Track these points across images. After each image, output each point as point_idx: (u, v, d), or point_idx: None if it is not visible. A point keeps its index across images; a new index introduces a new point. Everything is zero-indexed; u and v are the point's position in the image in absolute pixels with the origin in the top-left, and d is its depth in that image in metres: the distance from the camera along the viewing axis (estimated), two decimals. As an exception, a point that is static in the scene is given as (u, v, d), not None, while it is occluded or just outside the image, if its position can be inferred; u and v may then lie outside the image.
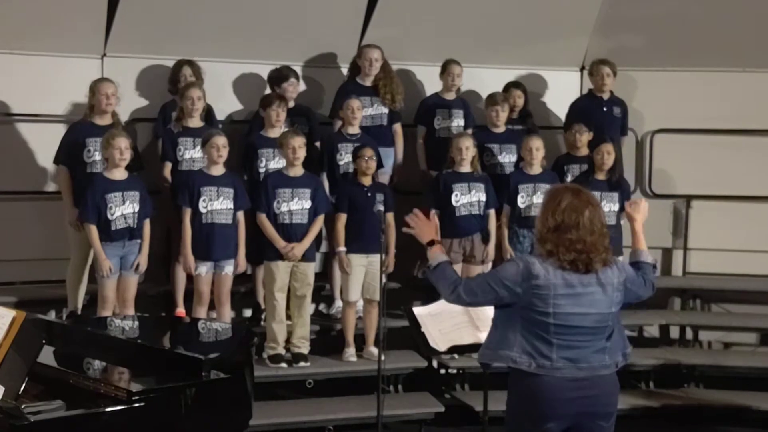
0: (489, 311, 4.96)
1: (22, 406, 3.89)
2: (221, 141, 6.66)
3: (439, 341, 4.92)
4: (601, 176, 7.42)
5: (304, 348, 6.90)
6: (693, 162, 8.39)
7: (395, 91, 7.64)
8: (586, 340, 4.02)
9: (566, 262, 3.98)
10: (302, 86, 7.81)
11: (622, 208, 7.34)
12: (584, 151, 7.64)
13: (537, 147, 7.31)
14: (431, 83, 8.03)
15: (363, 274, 6.93)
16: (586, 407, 4.03)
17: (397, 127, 7.77)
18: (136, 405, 4.09)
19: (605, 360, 4.08)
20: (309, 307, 7.01)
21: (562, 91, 8.39)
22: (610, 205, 7.27)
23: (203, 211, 6.64)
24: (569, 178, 7.55)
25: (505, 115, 7.64)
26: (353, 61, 7.75)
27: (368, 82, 7.65)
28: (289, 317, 6.90)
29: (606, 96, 8.02)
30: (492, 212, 7.28)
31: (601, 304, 4.03)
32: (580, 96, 8.28)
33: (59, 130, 7.05)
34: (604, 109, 7.98)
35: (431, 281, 4.25)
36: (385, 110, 7.67)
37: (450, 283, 4.14)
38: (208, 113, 7.23)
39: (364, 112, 7.45)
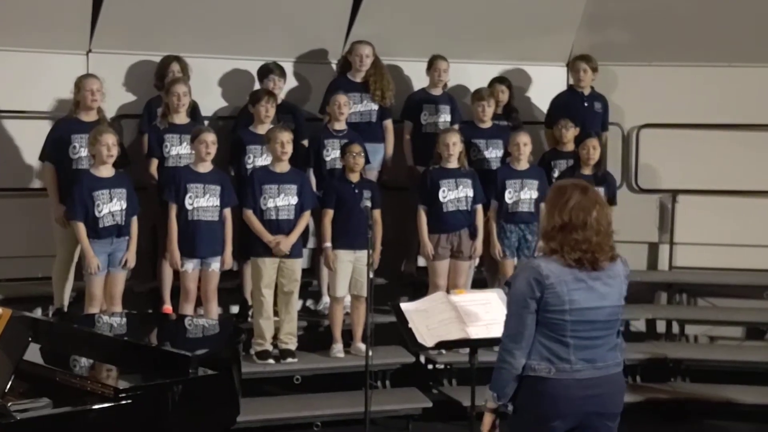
0: (476, 308, 4.97)
1: (9, 404, 3.88)
2: (210, 138, 6.64)
3: (426, 337, 4.92)
4: (587, 171, 7.43)
5: (292, 344, 6.90)
6: (679, 157, 8.41)
7: (385, 87, 7.62)
8: (601, 336, 4.01)
9: (571, 260, 3.95)
10: (291, 83, 7.79)
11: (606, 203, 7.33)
12: (570, 147, 7.66)
13: (525, 142, 7.32)
14: (418, 79, 8.02)
15: (350, 270, 6.93)
16: (596, 407, 4.01)
17: (388, 124, 7.75)
18: (123, 402, 4.09)
19: (617, 357, 4.09)
20: (296, 303, 7.00)
21: (548, 87, 8.36)
22: (595, 200, 7.28)
23: (189, 207, 6.61)
24: (556, 174, 7.57)
25: (491, 110, 7.65)
26: (343, 57, 7.74)
27: (359, 78, 7.63)
28: (276, 313, 6.90)
29: (587, 91, 8.03)
30: (479, 207, 7.28)
31: (612, 296, 4.02)
32: (562, 91, 8.27)
33: (44, 127, 7.01)
34: (585, 104, 7.99)
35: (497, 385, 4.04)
36: (375, 106, 7.65)
37: (498, 362, 4.00)
38: (193, 109, 7.20)
39: (353, 108, 7.44)
